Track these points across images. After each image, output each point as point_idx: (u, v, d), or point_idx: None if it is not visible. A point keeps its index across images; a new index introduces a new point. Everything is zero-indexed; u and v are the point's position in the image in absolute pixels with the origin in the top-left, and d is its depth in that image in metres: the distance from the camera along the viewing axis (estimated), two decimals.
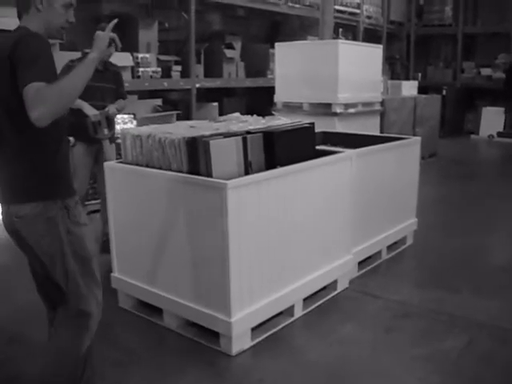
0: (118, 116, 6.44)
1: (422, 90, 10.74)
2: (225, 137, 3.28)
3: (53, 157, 2.32)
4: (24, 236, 2.33)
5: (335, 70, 6.67)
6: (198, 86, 8.33)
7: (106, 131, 4.56)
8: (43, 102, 2.03)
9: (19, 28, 2.30)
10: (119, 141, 3.83)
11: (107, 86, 4.72)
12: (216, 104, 9.10)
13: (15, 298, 3.99)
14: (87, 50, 4.70)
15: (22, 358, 3.19)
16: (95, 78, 2.45)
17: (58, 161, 2.35)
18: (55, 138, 2.32)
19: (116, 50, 2.60)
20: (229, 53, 9.08)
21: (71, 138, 4.65)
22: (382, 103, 8.09)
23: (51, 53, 2.27)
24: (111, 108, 4.63)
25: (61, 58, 4.65)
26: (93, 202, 5.98)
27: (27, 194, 2.28)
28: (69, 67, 4.23)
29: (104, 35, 2.35)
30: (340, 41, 7.67)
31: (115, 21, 2.43)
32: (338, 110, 6.82)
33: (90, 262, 2.43)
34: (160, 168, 3.40)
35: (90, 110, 4.44)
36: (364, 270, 4.48)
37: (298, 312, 3.69)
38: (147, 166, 3.49)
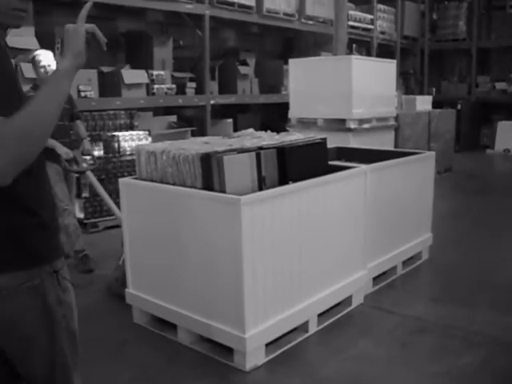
0: (133, 133, 6.52)
1: (436, 104, 10.74)
2: (238, 152, 3.30)
3: (32, 208, 1.60)
4: None
5: (349, 86, 6.69)
6: (212, 102, 8.41)
7: (84, 165, 4.60)
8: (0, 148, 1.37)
9: None
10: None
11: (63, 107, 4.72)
12: (230, 120, 9.17)
13: None
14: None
15: None
16: None
17: (39, 213, 1.62)
18: (31, 185, 1.60)
19: (100, 49, 1.64)
20: (243, 69, 9.16)
21: None
22: (397, 118, 8.10)
23: (10, 66, 1.57)
24: (86, 145, 4.82)
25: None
26: (108, 218, 6.04)
27: (1, 264, 1.58)
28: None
29: (76, 28, 1.53)
30: (354, 56, 7.72)
31: (90, 2, 1.65)
32: (353, 126, 6.83)
33: (76, 337, 1.79)
34: (174, 184, 3.42)
35: (60, 149, 4.35)
36: (379, 286, 4.45)
37: (313, 328, 3.67)
38: (161, 181, 3.51)
